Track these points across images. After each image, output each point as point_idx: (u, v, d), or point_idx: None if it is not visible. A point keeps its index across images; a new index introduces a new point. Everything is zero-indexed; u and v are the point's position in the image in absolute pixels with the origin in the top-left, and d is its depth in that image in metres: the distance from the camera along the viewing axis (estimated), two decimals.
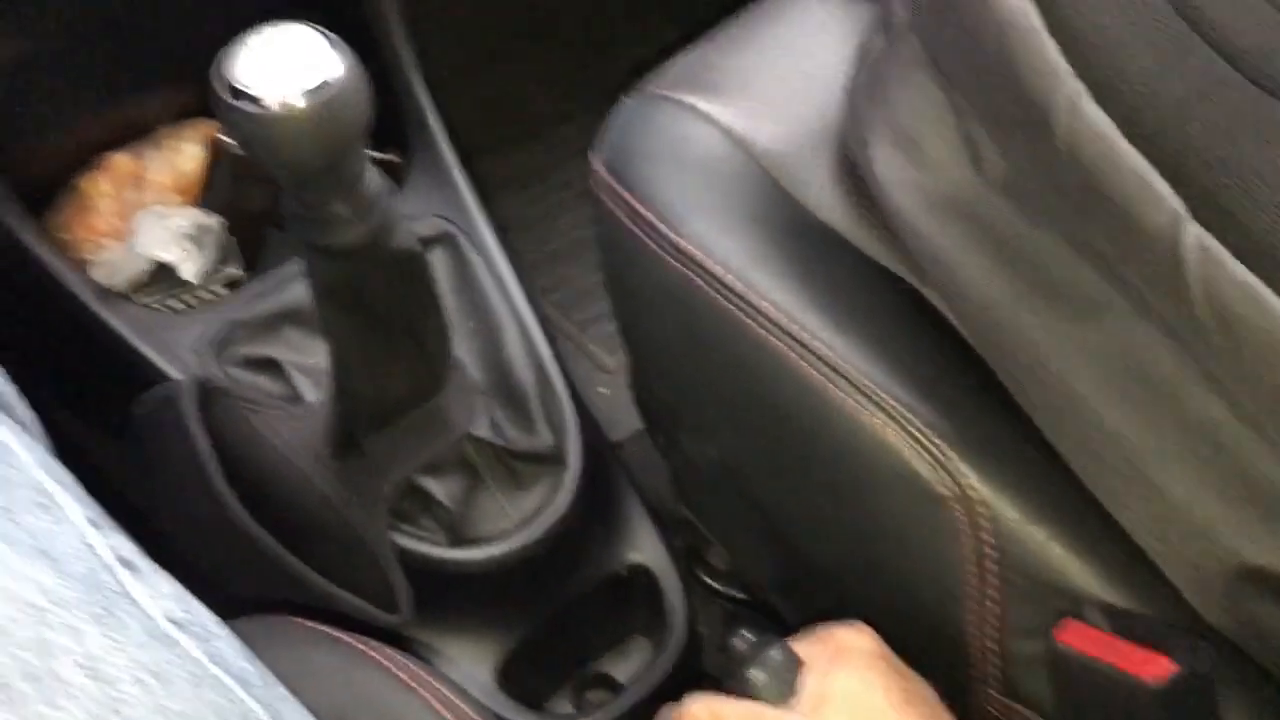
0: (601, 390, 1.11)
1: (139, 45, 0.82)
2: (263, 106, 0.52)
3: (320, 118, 0.52)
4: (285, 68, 0.53)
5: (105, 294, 0.79)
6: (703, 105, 0.69)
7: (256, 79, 0.52)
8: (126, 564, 0.43)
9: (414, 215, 0.81)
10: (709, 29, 1.31)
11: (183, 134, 0.86)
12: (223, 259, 0.83)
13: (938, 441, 0.56)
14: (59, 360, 0.79)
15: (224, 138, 0.85)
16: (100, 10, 0.79)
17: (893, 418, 0.57)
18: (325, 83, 0.52)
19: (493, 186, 0.95)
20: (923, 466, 0.56)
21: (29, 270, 0.78)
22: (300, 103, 0.52)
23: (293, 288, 0.79)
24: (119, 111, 0.84)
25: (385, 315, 0.63)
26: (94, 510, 0.46)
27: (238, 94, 0.52)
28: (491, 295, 0.81)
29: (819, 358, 0.58)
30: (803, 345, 0.59)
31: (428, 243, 0.80)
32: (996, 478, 0.56)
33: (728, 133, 0.67)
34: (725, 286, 0.61)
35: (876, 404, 0.57)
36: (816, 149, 0.67)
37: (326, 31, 0.54)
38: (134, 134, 0.86)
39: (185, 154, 0.85)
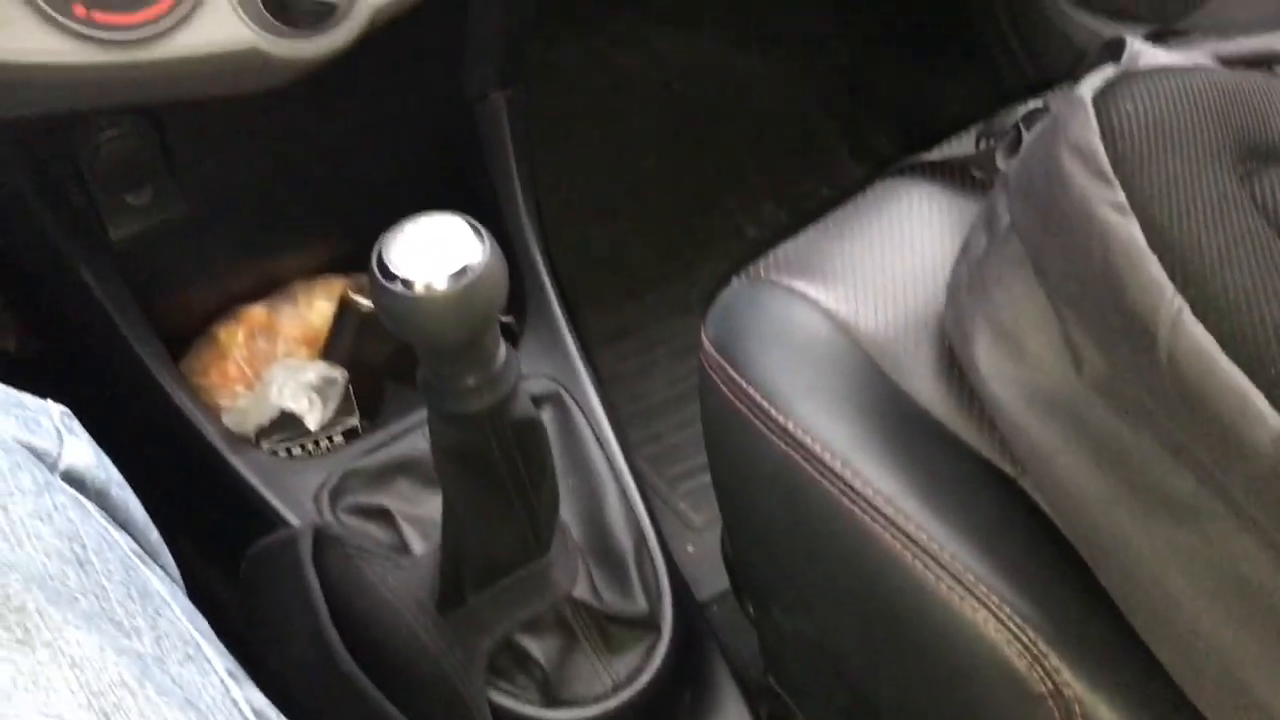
0: (688, 548, 1.13)
1: (282, 210, 0.89)
2: (411, 289, 0.57)
3: (461, 300, 0.57)
4: (433, 253, 0.57)
5: (234, 439, 0.83)
6: (810, 291, 0.72)
7: (407, 263, 0.57)
8: (261, 718, 0.46)
9: (526, 373, 0.85)
10: (797, 196, 1.37)
11: (314, 290, 0.92)
12: (342, 410, 0.88)
13: (1034, 637, 0.57)
14: (184, 497, 0.84)
15: (354, 296, 0.90)
16: (253, 181, 0.86)
17: (991, 611, 0.58)
18: (467, 268, 0.57)
19: (590, 341, 0.99)
20: (1019, 662, 0.57)
21: (166, 412, 0.83)
22: (444, 286, 0.56)
23: (406, 440, 0.83)
24: (258, 267, 0.91)
25: (501, 478, 0.67)
26: (230, 662, 0.49)
27: (390, 276, 0.57)
28: (594, 455, 0.84)
29: (920, 546, 0.60)
30: (904, 533, 0.60)
31: (537, 401, 0.84)
32: (1093, 677, 0.57)
33: (833, 318, 0.70)
34: (829, 470, 0.63)
35: (975, 596, 0.58)
36: (919, 338, 0.69)
37: (472, 221, 0.59)
38: (269, 287, 0.92)
39: (315, 309, 0.90)
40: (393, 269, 0.57)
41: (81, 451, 0.54)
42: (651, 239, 1.35)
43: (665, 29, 1.45)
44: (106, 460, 0.56)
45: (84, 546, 0.48)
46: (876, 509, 0.61)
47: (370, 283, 0.57)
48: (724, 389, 0.69)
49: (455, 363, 0.61)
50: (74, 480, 0.52)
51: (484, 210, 0.95)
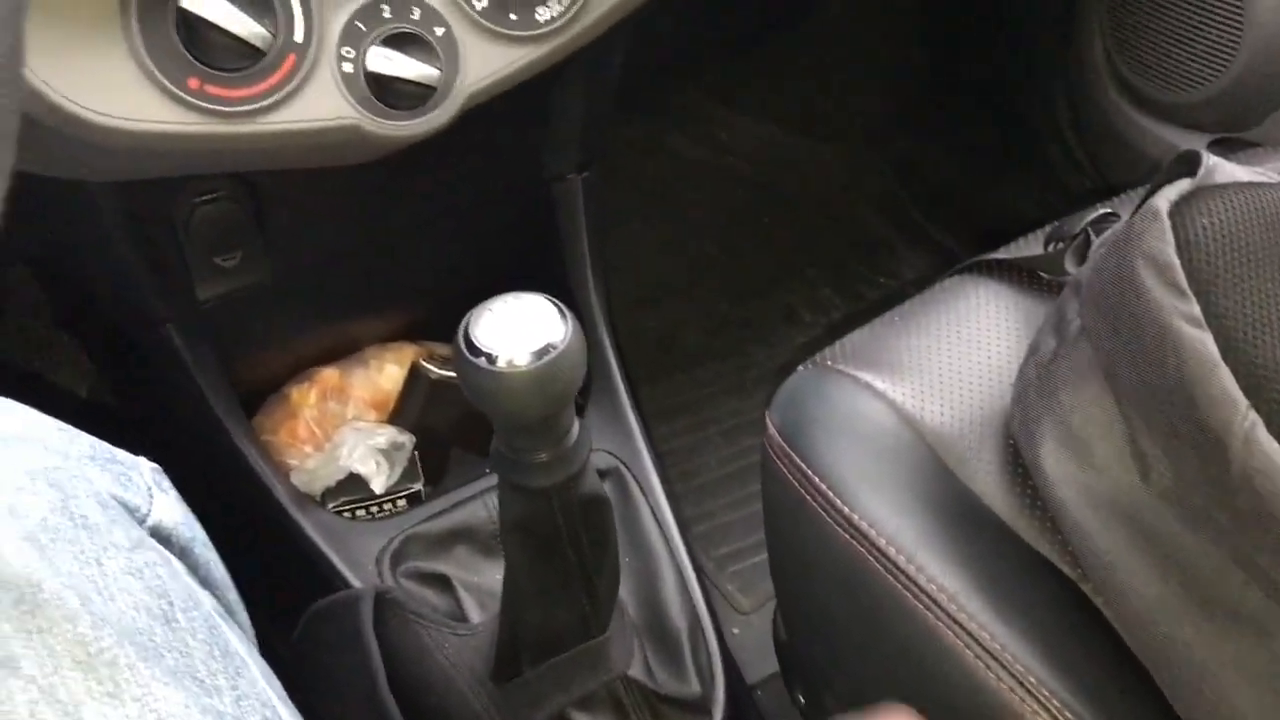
0: (734, 631, 1.13)
1: (360, 277, 0.92)
2: (494, 364, 0.58)
3: (541, 377, 0.58)
4: (518, 331, 0.59)
5: (301, 498, 0.85)
6: (877, 382, 0.73)
7: (492, 339, 0.59)
8: None
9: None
10: (852, 284, 1.38)
11: (386, 355, 0.94)
12: (407, 474, 0.90)
13: None
14: (247, 552, 0.85)
15: (424, 363, 0.92)
16: (335, 248, 0.88)
17: (1051, 714, 0.58)
18: (549, 346, 0.58)
19: (645, 417, 1.01)
20: None
21: (236, 467, 0.84)
22: (526, 363, 0.58)
23: (467, 508, 0.84)
24: (333, 331, 0.93)
25: (565, 554, 0.67)
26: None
27: (475, 350, 0.58)
28: (651, 533, 0.84)
29: (982, 645, 0.60)
30: (966, 631, 0.61)
31: (599, 476, 0.85)
32: None
33: (899, 410, 0.71)
34: (893, 563, 0.63)
35: (1036, 698, 0.59)
36: (983, 435, 0.70)
37: (557, 302, 0.60)
38: (342, 351, 0.94)
39: (386, 374, 0.93)
40: (478, 344, 0.58)
41: (170, 509, 0.55)
42: (707, 320, 1.37)
43: (727, 114, 1.48)
44: (192, 518, 0.57)
45: (171, 603, 0.49)
46: (939, 605, 0.62)
47: (455, 356, 0.59)
48: (788, 475, 0.70)
49: (530, 437, 0.62)
50: (161, 536, 0.54)
51: (554, 286, 0.98)
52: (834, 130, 1.47)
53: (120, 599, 0.47)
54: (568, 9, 0.68)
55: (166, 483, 0.57)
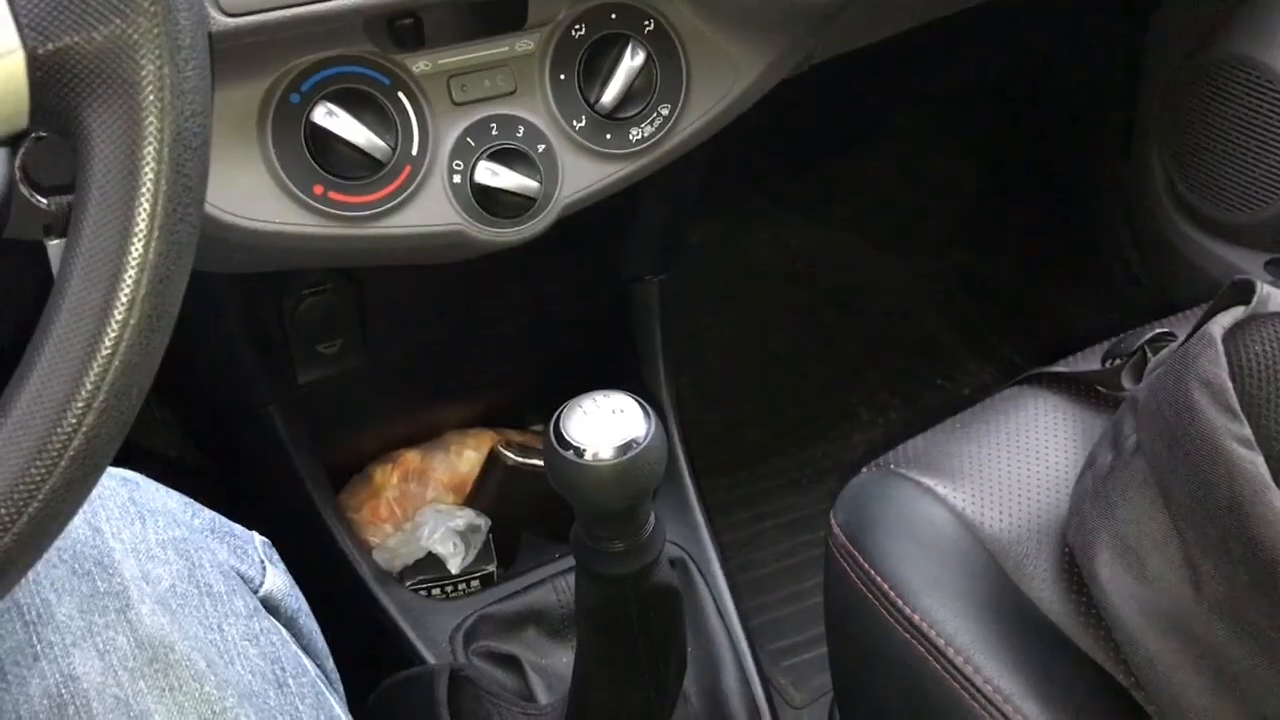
0: None
1: (445, 365, 0.97)
2: (581, 457, 0.62)
3: (624, 471, 0.62)
4: (604, 427, 0.63)
5: (381, 575, 0.89)
6: (938, 487, 0.76)
7: (580, 433, 0.63)
8: None
9: None
10: (912, 388, 1.41)
11: (466, 440, 0.99)
12: (482, 556, 0.94)
13: None
14: (327, 624, 0.90)
15: (502, 450, 0.97)
16: (426, 338, 0.94)
17: None
18: (633, 442, 0.63)
19: (708, 509, 1.04)
20: None
21: (322, 542, 0.89)
22: (611, 457, 0.62)
23: (538, 591, 0.88)
24: (416, 415, 0.98)
25: (635, 641, 0.71)
26: None
27: (564, 444, 0.63)
28: (714, 624, 0.88)
29: None
30: None
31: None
32: None
33: (960, 516, 0.74)
34: (951, 664, 0.66)
35: None
36: (1040, 543, 0.72)
37: (641, 401, 0.65)
38: (425, 434, 0.99)
39: (464, 458, 0.97)
40: (568, 438, 0.63)
41: (279, 580, 0.60)
42: (769, 416, 1.40)
43: (795, 218, 1.53)
44: (297, 590, 0.61)
45: (283, 669, 0.53)
46: (995, 706, 0.64)
47: (544, 448, 0.64)
48: (851, 574, 0.73)
49: (610, 527, 0.66)
50: (271, 606, 0.58)
51: (626, 380, 1.02)
52: (899, 238, 1.51)
53: (239, 663, 0.51)
54: (658, 129, 0.73)
55: (275, 556, 0.61)
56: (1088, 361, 0.84)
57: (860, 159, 1.47)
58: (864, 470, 0.82)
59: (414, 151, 0.68)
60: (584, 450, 0.62)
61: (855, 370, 1.44)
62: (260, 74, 0.64)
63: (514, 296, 0.94)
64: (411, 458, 0.97)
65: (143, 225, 0.40)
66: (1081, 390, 0.81)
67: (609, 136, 0.73)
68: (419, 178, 0.69)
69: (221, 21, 0.60)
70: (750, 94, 0.76)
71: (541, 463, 0.88)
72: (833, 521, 0.77)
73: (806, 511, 1.29)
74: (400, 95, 0.68)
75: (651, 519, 0.67)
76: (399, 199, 0.68)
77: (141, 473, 0.60)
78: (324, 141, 0.66)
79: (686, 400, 1.14)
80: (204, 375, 0.92)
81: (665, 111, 0.74)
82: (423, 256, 0.73)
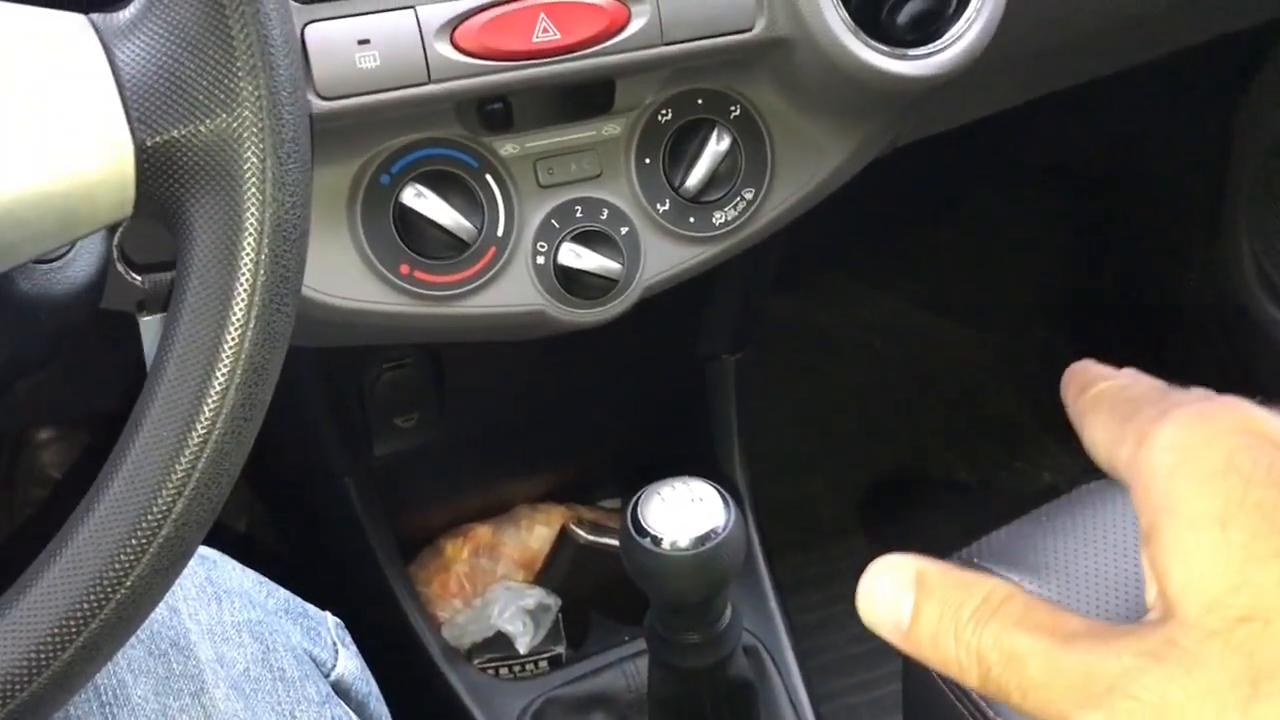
0: None
1: (518, 440, 0.97)
2: (659, 545, 0.62)
3: (703, 562, 0.61)
4: (682, 515, 0.62)
5: (450, 651, 0.89)
6: (1023, 582, 0.74)
7: (657, 521, 0.62)
8: None
9: None
10: (990, 469, 1.38)
11: (536, 516, 0.98)
12: (551, 636, 0.93)
13: None
14: (391, 699, 0.89)
15: (574, 527, 0.96)
16: (501, 413, 0.94)
17: None
18: (712, 533, 0.62)
19: (781, 592, 1.02)
20: None
21: (392, 617, 0.89)
22: (689, 547, 0.61)
23: (606, 675, 0.87)
24: (488, 489, 0.98)
25: None
26: None
27: (641, 531, 0.62)
28: (786, 716, 0.85)
29: None
30: None
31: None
32: None
33: None
34: None
35: None
36: None
37: (719, 489, 0.64)
38: (495, 509, 0.99)
39: (536, 534, 0.97)
40: (645, 525, 0.62)
41: (351, 663, 0.59)
42: (840, 495, 1.38)
43: (871, 292, 1.52)
44: (368, 673, 0.61)
45: None
46: None
47: (621, 535, 0.63)
48: (934, 673, 0.71)
49: (686, 618, 0.65)
50: (342, 690, 0.58)
51: (699, 457, 1.01)
52: (978, 315, 1.49)
53: None
54: (742, 213, 0.73)
55: (348, 638, 0.61)
56: None
57: (939, 234, 1.46)
58: (945, 562, 0.80)
59: (499, 233, 0.69)
60: (661, 539, 0.62)
61: (931, 449, 1.42)
62: (352, 155, 0.65)
63: (588, 372, 0.94)
64: (483, 532, 0.97)
65: (239, 316, 0.40)
66: None
67: (692, 220, 0.72)
68: (503, 258, 0.69)
69: (317, 105, 0.61)
70: (836, 178, 0.76)
71: (614, 542, 0.88)
72: None
73: None
74: (487, 177, 0.69)
75: (729, 611, 0.66)
76: (483, 279, 0.69)
77: (212, 544, 0.60)
78: (411, 222, 0.67)
79: (755, 475, 1.13)
80: (280, 446, 0.93)
81: (749, 195, 0.73)
82: (503, 334, 0.73)
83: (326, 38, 0.61)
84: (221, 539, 0.61)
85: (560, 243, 0.70)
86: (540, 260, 0.70)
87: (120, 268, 0.59)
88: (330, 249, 0.65)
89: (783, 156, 0.74)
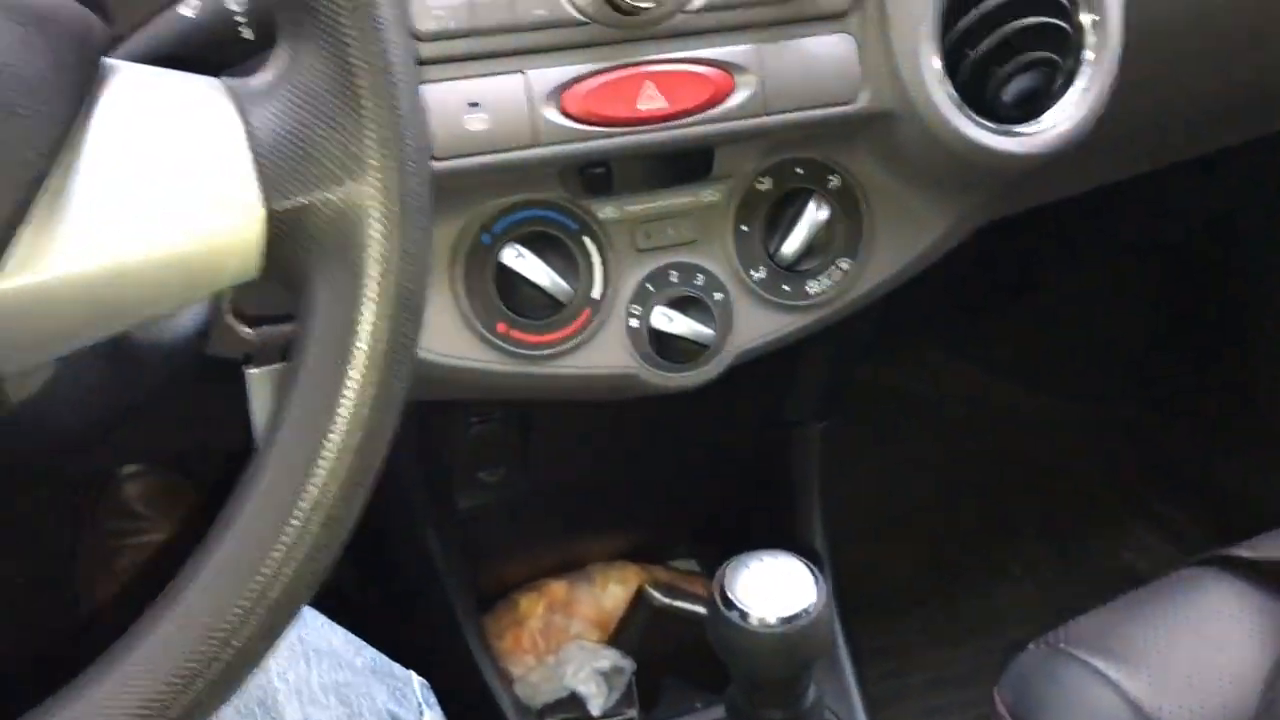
0: None
1: (599, 497, 0.97)
2: (746, 621, 0.61)
3: (791, 640, 0.60)
4: (771, 590, 0.62)
5: (522, 709, 0.88)
6: (1110, 672, 0.72)
7: (746, 595, 0.61)
8: None
9: None
10: (1068, 546, 1.35)
11: (611, 574, 0.98)
12: (624, 699, 0.92)
13: None
14: None
15: (650, 589, 0.95)
16: (585, 470, 0.94)
17: None
18: (802, 612, 0.61)
19: (858, 664, 1.00)
20: None
21: (468, 671, 0.88)
22: (777, 625, 0.60)
23: None
24: (566, 545, 0.98)
25: None
26: None
27: (729, 605, 0.61)
28: None
29: None
30: None
31: None
32: None
33: (1133, 704, 0.70)
34: None
35: None
36: None
37: (810, 565, 0.63)
38: (571, 565, 0.98)
39: (610, 593, 0.96)
40: (733, 598, 0.61)
41: None
42: (915, 563, 1.36)
43: (951, 360, 1.50)
44: None
45: None
46: None
47: (708, 608, 0.62)
48: None
49: (770, 695, 0.64)
50: None
51: (780, 522, 1.00)
52: (1058, 388, 1.47)
53: None
54: (837, 284, 0.73)
55: (432, 698, 0.61)
56: (1274, 545, 0.79)
57: (1025, 305, 1.44)
58: (1030, 647, 0.78)
59: (595, 295, 0.69)
60: (750, 614, 0.61)
61: (1009, 522, 1.39)
62: (456, 214, 0.66)
63: (672, 433, 0.94)
64: (558, 589, 0.97)
65: (355, 383, 0.40)
66: (1272, 579, 0.77)
67: (787, 289, 0.72)
68: (598, 320, 0.69)
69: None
70: (933, 252, 0.75)
71: (690, 606, 0.87)
72: (997, 699, 0.74)
73: (955, 669, 1.24)
74: (585, 239, 0.69)
75: (812, 689, 0.65)
76: (577, 340, 0.69)
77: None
78: (509, 281, 0.67)
79: (832, 540, 1.11)
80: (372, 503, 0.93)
81: (845, 266, 0.73)
82: (593, 395, 0.73)
83: (439, 100, 0.62)
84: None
85: (654, 306, 0.70)
86: (634, 323, 0.70)
87: (231, 320, 0.60)
88: (430, 305, 0.66)
89: (880, 228, 0.73)
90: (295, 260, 0.41)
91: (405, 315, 0.41)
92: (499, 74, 0.63)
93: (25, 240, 0.38)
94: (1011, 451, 1.45)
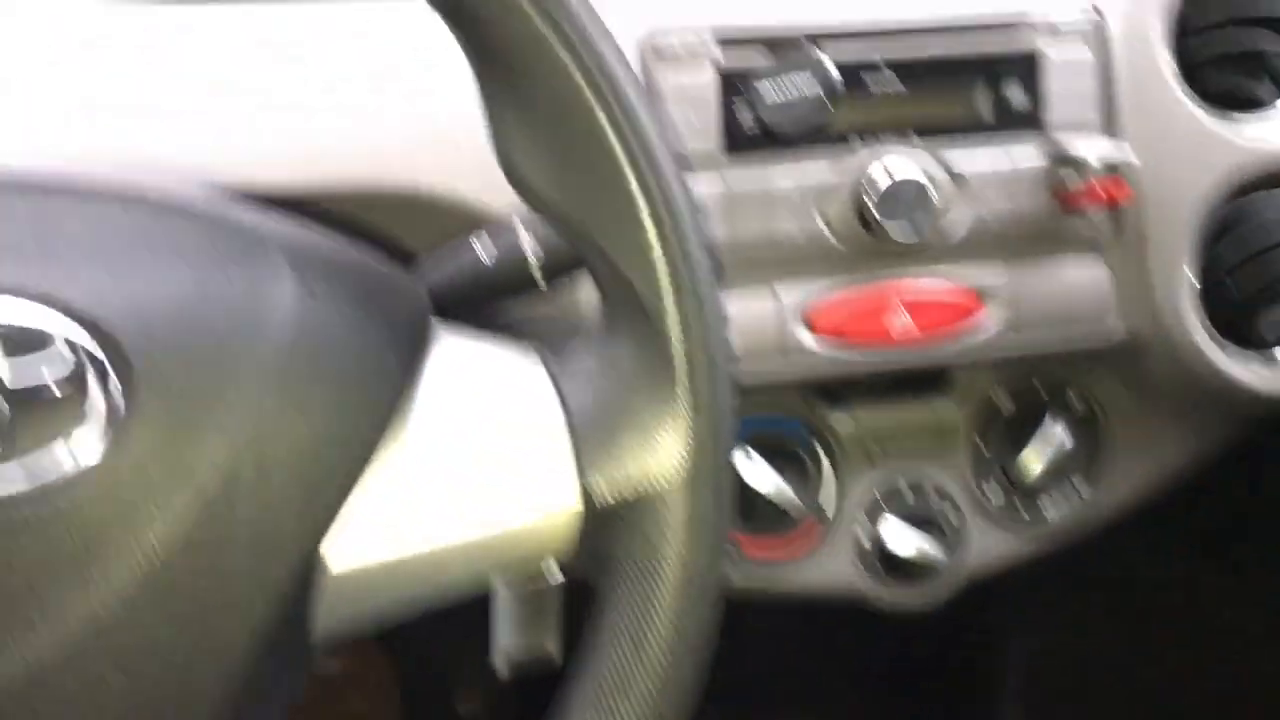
0: None
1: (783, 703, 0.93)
2: None
3: None
4: None
5: None
6: None
7: None
8: None
9: None
10: None
11: None
12: None
13: None
14: None
15: None
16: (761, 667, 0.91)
17: None
18: None
19: None
20: None
21: None
22: None
23: None
24: None
25: None
26: None
27: None
28: None
29: None
30: None
31: None
32: None
33: None
34: None
35: None
36: None
37: None
38: None
39: None
40: None
41: None
42: None
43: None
44: None
45: None
46: None
47: None
48: None
49: None
50: None
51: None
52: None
53: None
54: (1076, 508, 0.70)
55: None
56: None
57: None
58: None
59: (824, 507, 0.68)
60: None
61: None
62: None
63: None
64: None
65: (648, 682, 0.39)
66: None
67: (1023, 512, 0.70)
68: (826, 534, 0.68)
69: None
70: (1174, 479, 0.72)
71: None
72: None
73: None
74: (818, 448, 0.68)
75: None
76: (804, 554, 0.68)
77: None
78: (738, 489, 0.66)
79: None
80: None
81: (1084, 491, 0.70)
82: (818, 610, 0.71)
83: None
84: None
85: (885, 523, 0.68)
86: (864, 539, 0.68)
87: None
88: None
89: (1122, 452, 0.71)
90: (607, 556, 0.40)
91: (700, 598, 0.40)
92: (751, 291, 0.63)
93: (355, 520, 0.38)
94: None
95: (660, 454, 0.40)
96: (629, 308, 0.40)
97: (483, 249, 0.53)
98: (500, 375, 0.42)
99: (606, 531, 0.40)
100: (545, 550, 0.41)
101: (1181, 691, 1.30)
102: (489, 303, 0.52)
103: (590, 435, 0.40)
